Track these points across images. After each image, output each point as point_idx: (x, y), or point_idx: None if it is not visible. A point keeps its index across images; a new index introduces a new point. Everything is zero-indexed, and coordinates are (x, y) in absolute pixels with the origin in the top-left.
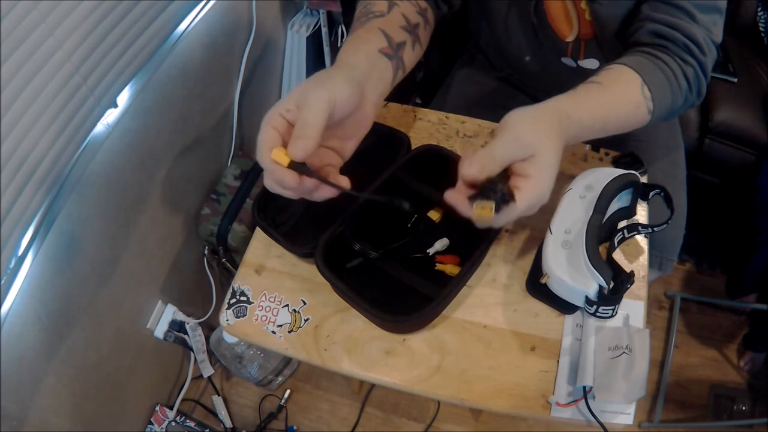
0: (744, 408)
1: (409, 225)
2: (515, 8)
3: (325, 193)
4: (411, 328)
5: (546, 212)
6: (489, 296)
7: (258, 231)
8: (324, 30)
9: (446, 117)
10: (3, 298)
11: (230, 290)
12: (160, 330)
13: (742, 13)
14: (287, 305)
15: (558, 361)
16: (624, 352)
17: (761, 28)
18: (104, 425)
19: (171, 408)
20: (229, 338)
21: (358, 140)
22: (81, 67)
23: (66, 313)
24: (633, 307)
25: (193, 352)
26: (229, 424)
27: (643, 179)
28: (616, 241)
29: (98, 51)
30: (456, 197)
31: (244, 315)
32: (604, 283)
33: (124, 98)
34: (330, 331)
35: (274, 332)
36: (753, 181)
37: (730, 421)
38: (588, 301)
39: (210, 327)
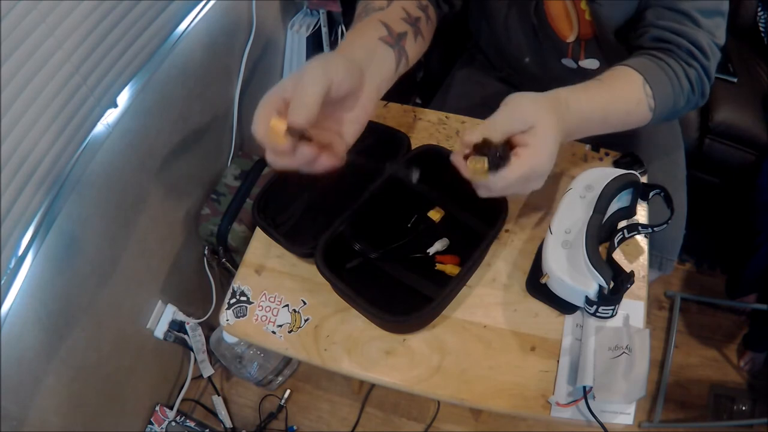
0: (744, 408)
1: (409, 225)
2: (515, 8)
3: (324, 161)
4: (411, 328)
5: (546, 212)
6: (489, 296)
7: (258, 231)
8: (324, 30)
9: (446, 117)
10: (3, 298)
11: (230, 290)
12: (160, 330)
13: (742, 13)
14: (287, 305)
15: (558, 361)
16: (624, 352)
17: (761, 28)
18: (104, 425)
19: (171, 408)
20: (229, 338)
21: (360, 126)
22: (81, 67)
23: (66, 313)
24: (633, 307)
25: (193, 352)
26: (229, 424)
27: (643, 179)
28: (616, 241)
29: (98, 51)
30: (456, 158)
31: (244, 315)
32: (604, 283)
33: (124, 98)
34: (330, 331)
35: (274, 332)
36: (753, 181)
37: (730, 421)
38: (588, 301)
39: (210, 327)
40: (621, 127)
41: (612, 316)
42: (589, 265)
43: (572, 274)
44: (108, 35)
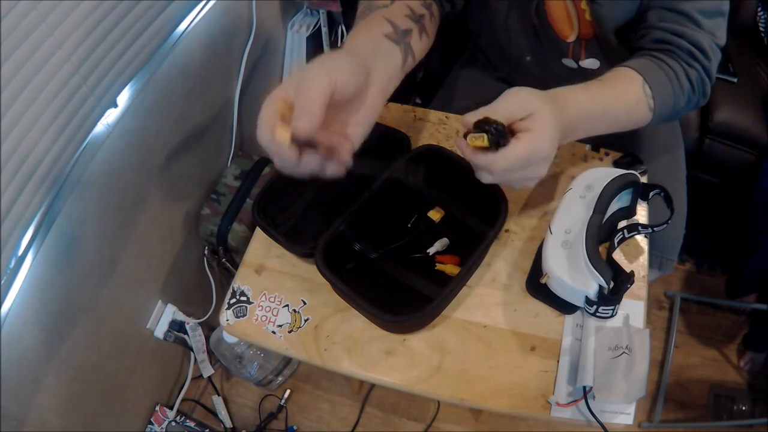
0: (744, 408)
1: (409, 225)
2: (516, 8)
3: (333, 168)
4: (411, 328)
5: (546, 212)
6: (489, 296)
7: (258, 231)
8: (324, 30)
9: (446, 117)
10: (3, 298)
11: (230, 290)
12: (160, 330)
13: (742, 13)
14: (287, 305)
15: (558, 361)
16: (624, 352)
17: (761, 28)
18: (104, 425)
19: (171, 408)
20: (229, 338)
21: (367, 127)
22: (81, 67)
23: (66, 313)
24: (633, 307)
25: (193, 352)
26: (229, 424)
27: (643, 179)
28: (616, 241)
29: (98, 51)
30: (459, 141)
31: (244, 315)
32: (604, 283)
33: (124, 98)
34: (330, 331)
35: (274, 332)
36: (753, 181)
37: (730, 421)
38: (588, 301)
39: (210, 327)
40: (621, 126)
41: (612, 316)
42: (589, 265)
43: (572, 274)
44: (108, 35)
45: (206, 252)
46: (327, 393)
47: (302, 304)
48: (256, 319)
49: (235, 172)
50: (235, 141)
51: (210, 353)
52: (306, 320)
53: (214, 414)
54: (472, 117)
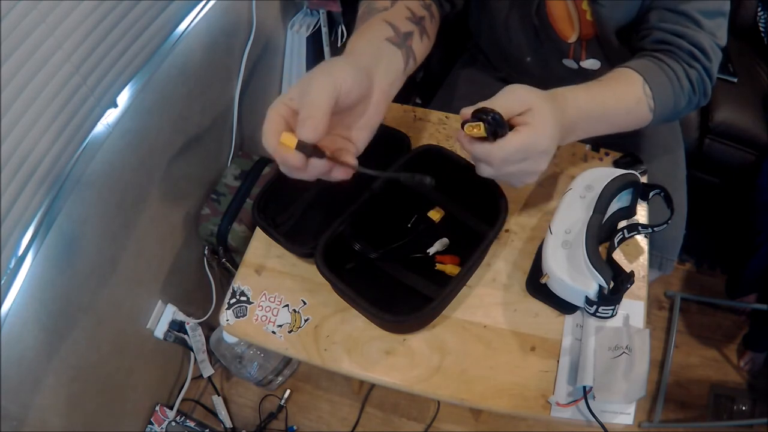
0: (744, 408)
1: (409, 225)
2: (516, 9)
3: (338, 173)
4: (411, 328)
5: (546, 212)
6: (489, 296)
7: (258, 231)
8: (324, 30)
9: (446, 117)
10: (3, 298)
11: (230, 290)
12: (160, 330)
13: (742, 13)
14: (287, 305)
15: (558, 361)
16: (624, 352)
17: (761, 28)
18: (104, 425)
19: (171, 408)
20: (229, 338)
21: (371, 130)
22: (81, 67)
23: (66, 313)
24: (633, 307)
25: (193, 352)
26: (229, 424)
27: (643, 179)
28: (616, 241)
29: (98, 51)
30: (459, 134)
31: (244, 315)
32: (604, 283)
33: (124, 98)
34: (330, 331)
35: (274, 332)
36: (753, 181)
37: (730, 421)
38: (588, 301)
39: (210, 327)
40: (621, 126)
41: (612, 316)
42: (589, 265)
43: (572, 274)
44: (108, 35)
45: (206, 252)
46: (327, 393)
47: (302, 304)
48: (256, 319)
49: (235, 172)
50: (235, 141)
51: (210, 353)
52: (306, 320)
53: (214, 414)
54: (470, 109)
